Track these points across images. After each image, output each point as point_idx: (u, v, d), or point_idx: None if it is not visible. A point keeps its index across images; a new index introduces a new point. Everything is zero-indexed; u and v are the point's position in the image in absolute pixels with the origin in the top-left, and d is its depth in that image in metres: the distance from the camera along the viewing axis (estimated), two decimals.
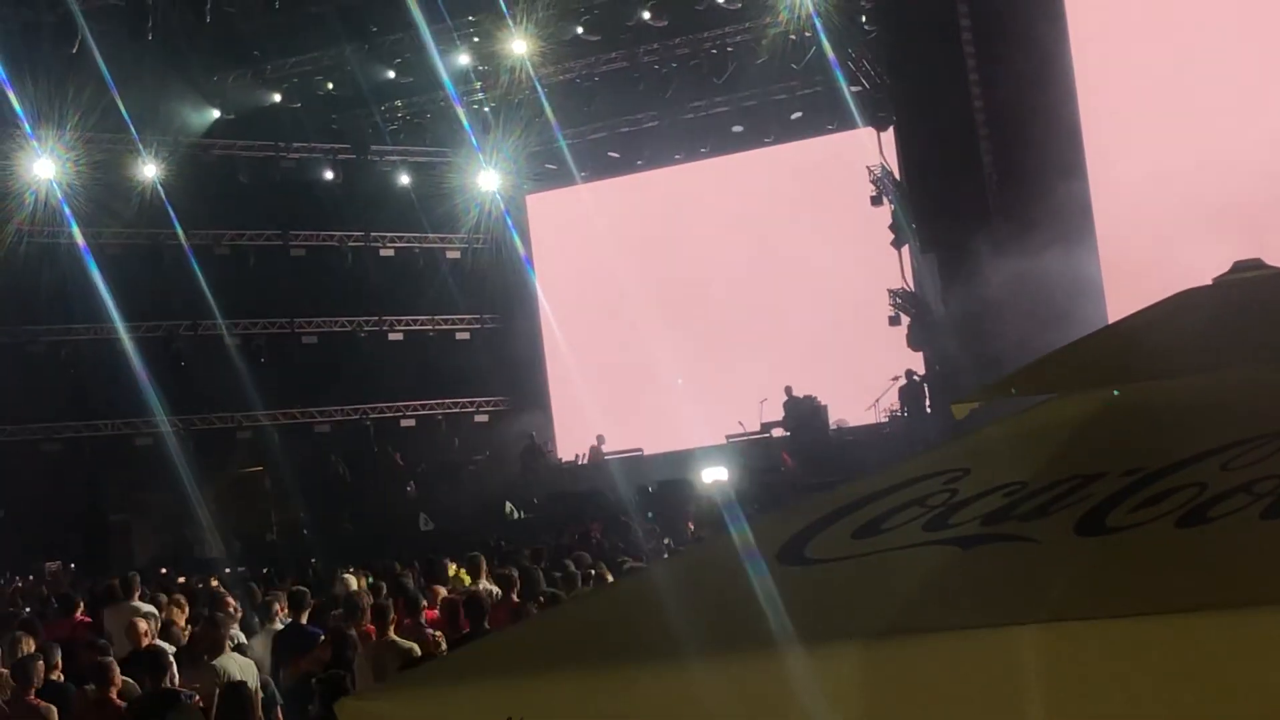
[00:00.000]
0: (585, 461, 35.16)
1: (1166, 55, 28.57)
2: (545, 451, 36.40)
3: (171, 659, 11.85)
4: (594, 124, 37.73)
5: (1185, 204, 28.05)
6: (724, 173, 37.78)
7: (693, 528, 22.70)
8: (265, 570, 23.25)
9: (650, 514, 26.21)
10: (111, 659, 11.30)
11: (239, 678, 11.04)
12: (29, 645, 12.54)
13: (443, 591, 14.94)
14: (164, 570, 26.95)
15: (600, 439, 35.32)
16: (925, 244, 30.21)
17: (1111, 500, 3.30)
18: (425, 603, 13.41)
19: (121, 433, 34.57)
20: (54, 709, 10.82)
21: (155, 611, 14.99)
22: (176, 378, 34.48)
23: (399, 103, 37.57)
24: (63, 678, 11.71)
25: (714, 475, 29.47)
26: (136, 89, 32.97)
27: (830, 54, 32.30)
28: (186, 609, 15.61)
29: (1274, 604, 2.79)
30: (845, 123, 34.60)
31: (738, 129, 37.27)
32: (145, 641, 12.47)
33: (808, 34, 33.40)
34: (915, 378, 31.52)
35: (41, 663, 11.14)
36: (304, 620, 13.54)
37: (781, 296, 36.04)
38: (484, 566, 15.78)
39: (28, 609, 19.39)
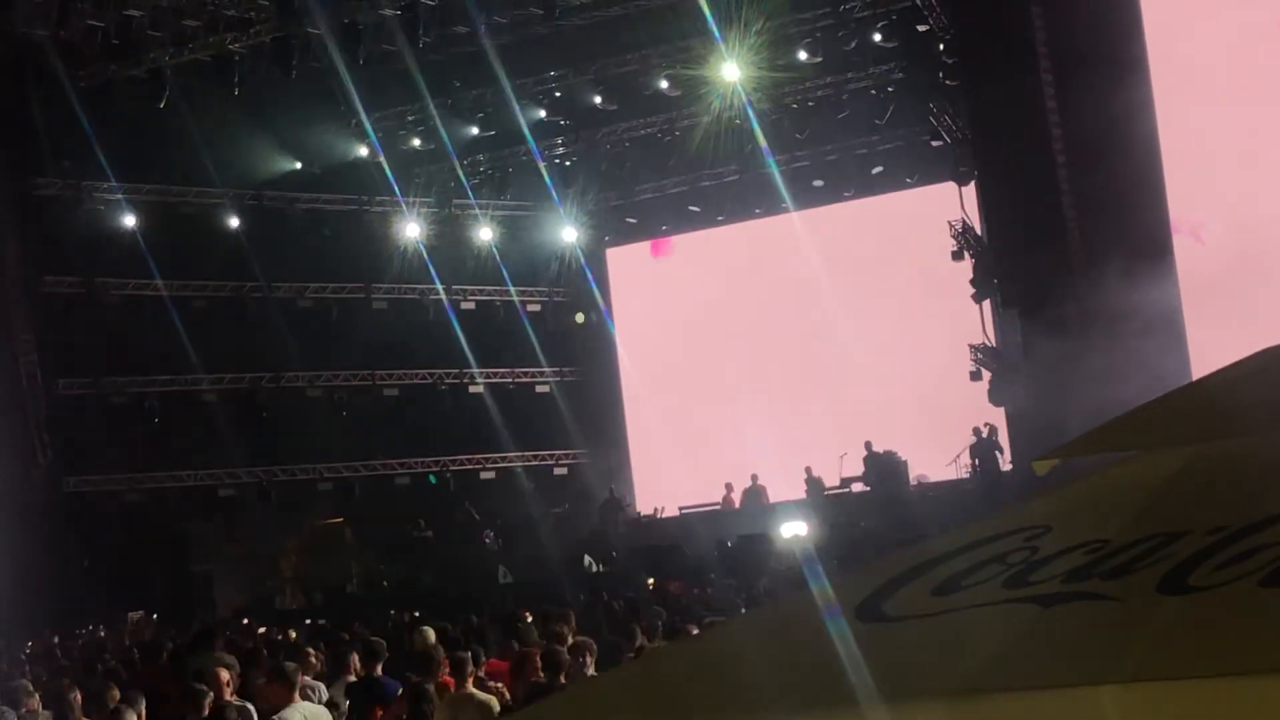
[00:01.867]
0: (739, 502, 34.73)
1: (1251, 108, 28.40)
2: (625, 505, 36.38)
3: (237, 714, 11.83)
4: (674, 177, 37.85)
5: (1272, 256, 27.82)
6: (804, 227, 37.74)
7: (766, 584, 22.61)
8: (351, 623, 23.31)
9: (728, 574, 26.08)
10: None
11: None
12: (114, 695, 12.64)
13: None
14: (245, 621, 27.11)
15: (755, 477, 34.86)
16: (1007, 299, 30.07)
17: (1195, 559, 3.26)
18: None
19: (204, 484, 34.84)
20: None
21: (236, 662, 15.05)
22: (259, 429, 34.78)
23: (481, 157, 37.82)
24: None
25: (793, 530, 29.37)
26: (223, 143, 33.47)
27: (911, 109, 32.35)
28: (265, 662, 15.68)
29: None
30: (926, 177, 34.60)
31: (818, 183, 37.26)
32: (227, 692, 12.51)
33: (889, 89, 33.45)
34: (995, 435, 31.37)
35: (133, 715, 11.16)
36: (379, 672, 13.53)
37: (862, 351, 35.92)
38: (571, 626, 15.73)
39: (112, 659, 19.52)
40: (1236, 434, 4.00)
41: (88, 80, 31.49)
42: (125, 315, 34.22)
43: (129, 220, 34.01)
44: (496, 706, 11.38)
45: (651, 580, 26.81)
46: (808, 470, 33.46)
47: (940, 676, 3.18)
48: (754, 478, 34.82)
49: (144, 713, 11.89)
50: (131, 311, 34.34)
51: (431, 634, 16.17)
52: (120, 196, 33.87)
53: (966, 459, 32.23)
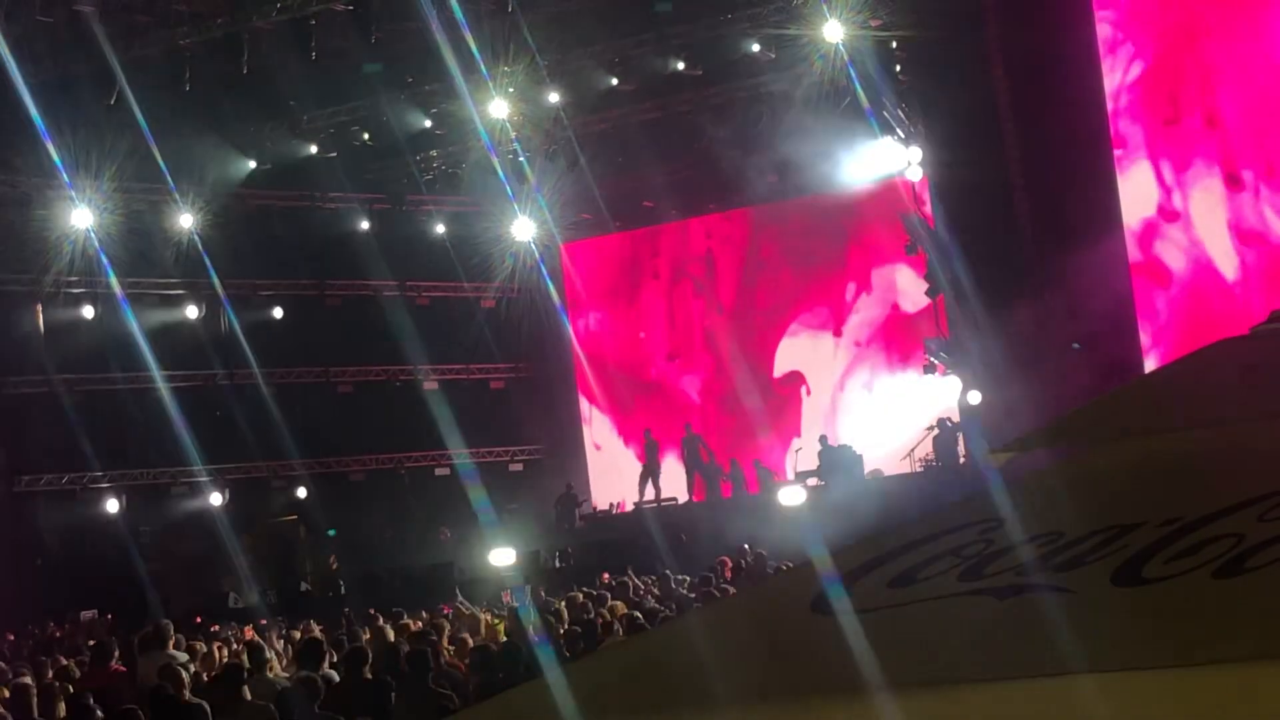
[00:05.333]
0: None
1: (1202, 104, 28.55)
2: (580, 500, 36.36)
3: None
4: (628, 173, 37.81)
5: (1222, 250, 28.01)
6: (758, 221, 37.82)
7: (729, 577, 22.63)
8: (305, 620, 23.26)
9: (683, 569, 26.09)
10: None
11: None
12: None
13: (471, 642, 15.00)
14: (199, 619, 27.00)
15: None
16: (960, 293, 30.16)
17: (1148, 551, 3.27)
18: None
19: (158, 481, 34.66)
20: None
21: (190, 660, 15.01)
22: (212, 427, 34.61)
23: (434, 153, 37.71)
24: None
25: (792, 497, 29.20)
26: (173, 139, 33.23)
27: (865, 104, 32.38)
28: (225, 658, 15.63)
29: None
30: (880, 172, 34.64)
31: (772, 178, 37.26)
32: (184, 692, 12.47)
33: (842, 83, 33.47)
34: (949, 426, 31.45)
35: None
36: (326, 668, 13.48)
37: (816, 344, 36.02)
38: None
39: (63, 657, 19.41)
40: (1189, 426, 4.02)
41: (37, 76, 31.24)
42: (77, 313, 34.04)
43: (80, 218, 33.78)
44: (456, 701, 11.38)
45: (605, 575, 26.82)
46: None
47: (896, 669, 3.18)
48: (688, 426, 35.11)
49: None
50: (83, 309, 34.16)
51: (390, 631, 16.17)
52: (72, 193, 33.65)
53: (922, 452, 32.36)
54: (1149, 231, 28.53)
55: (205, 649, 16.80)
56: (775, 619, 3.65)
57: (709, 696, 3.37)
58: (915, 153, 31.26)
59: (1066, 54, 27.98)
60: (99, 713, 11.71)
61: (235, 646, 17.82)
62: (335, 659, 13.48)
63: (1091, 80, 28.44)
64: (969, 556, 3.54)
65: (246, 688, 11.82)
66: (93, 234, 33.63)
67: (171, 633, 16.54)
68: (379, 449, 37.50)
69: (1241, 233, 27.80)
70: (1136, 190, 28.60)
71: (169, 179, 34.28)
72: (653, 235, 39.61)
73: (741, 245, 38.15)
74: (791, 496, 29.48)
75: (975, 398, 29.51)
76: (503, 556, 28.85)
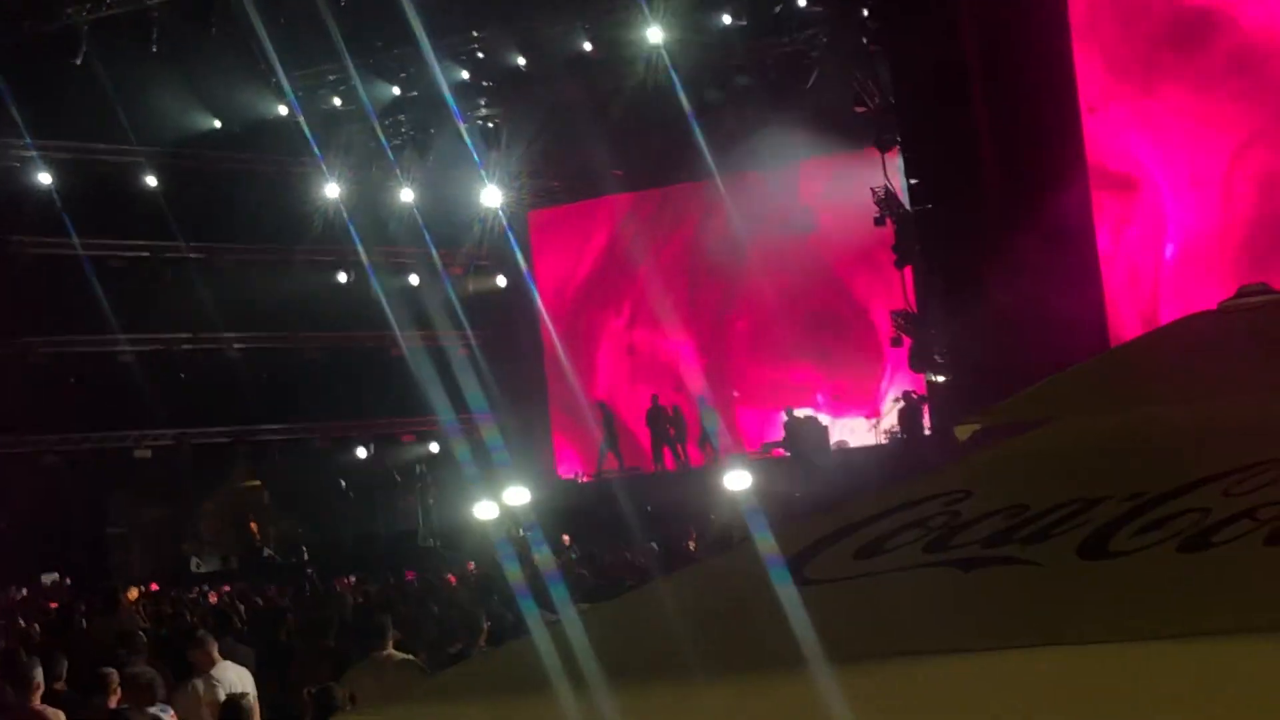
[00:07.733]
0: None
1: (1177, 72, 28.61)
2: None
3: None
4: (598, 141, 37.69)
5: (1191, 227, 28.11)
6: (728, 192, 37.75)
7: (694, 547, 22.67)
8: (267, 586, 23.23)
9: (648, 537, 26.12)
10: (111, 670, 11.20)
11: (238, 688, 11.01)
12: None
13: None
14: (154, 586, 26.97)
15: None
16: (928, 265, 30.19)
17: (1114, 524, 3.27)
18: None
19: (121, 445, 34.52)
20: (61, 714, 10.69)
21: (137, 628, 15.01)
22: (176, 391, 34.47)
23: (402, 118, 37.56)
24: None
25: (738, 481, 28.75)
26: (139, 100, 33.03)
27: (834, 73, 32.37)
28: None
29: (1276, 630, 2.77)
30: (849, 143, 34.59)
31: (741, 148, 37.19)
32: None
33: (813, 54, 33.44)
34: (915, 399, 31.50)
35: (40, 667, 11.00)
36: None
37: (784, 316, 36.02)
38: None
39: (24, 621, 19.35)
40: (1155, 401, 4.02)
41: (1, 37, 31.02)
42: (40, 274, 33.83)
43: (44, 178, 33.58)
44: (418, 667, 11.35)
45: (567, 537, 27.00)
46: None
47: (860, 639, 3.18)
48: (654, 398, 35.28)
49: (64, 674, 11.79)
50: (47, 270, 33.95)
51: (349, 595, 16.16)
52: (35, 154, 33.44)
53: (888, 424, 32.44)
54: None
55: (171, 612, 16.76)
56: (739, 589, 3.64)
57: (671, 665, 3.36)
58: (885, 124, 31.22)
59: (1035, 16, 27.96)
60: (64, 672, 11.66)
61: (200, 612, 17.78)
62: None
63: (1060, 39, 28.44)
64: (934, 528, 3.53)
65: (215, 651, 11.75)
66: (57, 195, 33.44)
67: (122, 597, 16.53)
68: (344, 415, 37.40)
69: None
70: None
71: (135, 139, 34.08)
72: (621, 204, 39.52)
73: (710, 215, 38.05)
74: (737, 480, 28.43)
75: (941, 370, 29.57)
76: (486, 510, 28.57)
